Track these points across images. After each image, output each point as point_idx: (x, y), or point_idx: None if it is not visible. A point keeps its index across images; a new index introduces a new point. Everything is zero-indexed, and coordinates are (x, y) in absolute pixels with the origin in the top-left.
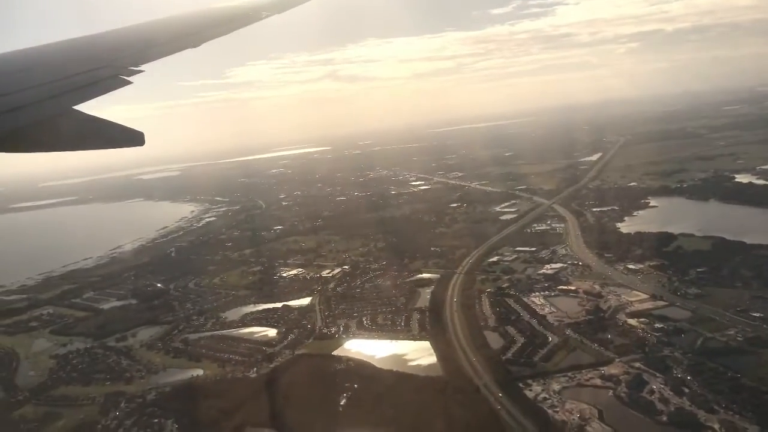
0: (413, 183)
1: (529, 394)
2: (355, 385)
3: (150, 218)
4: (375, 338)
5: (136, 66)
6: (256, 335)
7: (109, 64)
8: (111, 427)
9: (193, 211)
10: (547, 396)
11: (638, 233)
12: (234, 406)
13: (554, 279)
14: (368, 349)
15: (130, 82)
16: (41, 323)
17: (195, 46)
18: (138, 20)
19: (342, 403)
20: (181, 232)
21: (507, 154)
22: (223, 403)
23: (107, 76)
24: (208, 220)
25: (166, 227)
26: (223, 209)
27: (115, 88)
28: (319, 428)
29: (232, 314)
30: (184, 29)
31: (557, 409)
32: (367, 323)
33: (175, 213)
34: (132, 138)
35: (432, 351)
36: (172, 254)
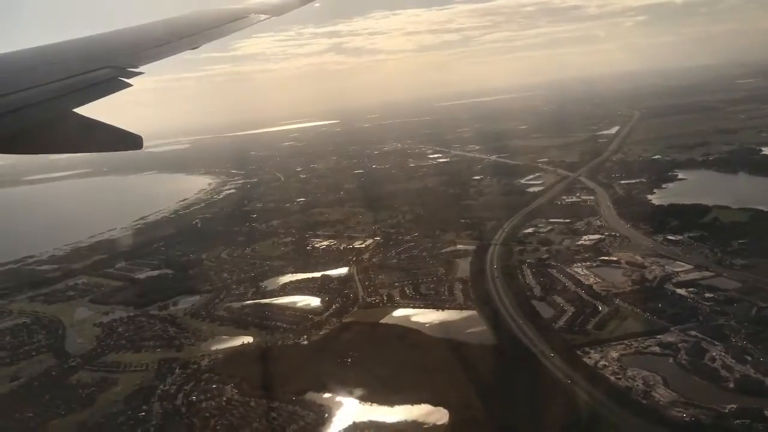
0: (431, 156)
1: (588, 361)
2: (410, 353)
3: (168, 190)
4: (420, 307)
5: (135, 67)
6: (299, 304)
7: (108, 65)
8: (170, 392)
9: (210, 184)
10: (606, 363)
11: (672, 205)
12: (292, 372)
13: (594, 250)
14: (415, 318)
15: (129, 85)
16: (78, 292)
17: (194, 47)
18: (137, 22)
19: (399, 370)
20: (202, 204)
21: (522, 128)
22: (281, 369)
23: (107, 77)
24: (227, 192)
25: (186, 199)
26: (241, 182)
27: (115, 91)
28: (379, 393)
29: (271, 284)
30: (182, 31)
31: (619, 376)
32: (410, 292)
33: (193, 185)
34: (130, 142)
35: (481, 320)
36: (198, 225)
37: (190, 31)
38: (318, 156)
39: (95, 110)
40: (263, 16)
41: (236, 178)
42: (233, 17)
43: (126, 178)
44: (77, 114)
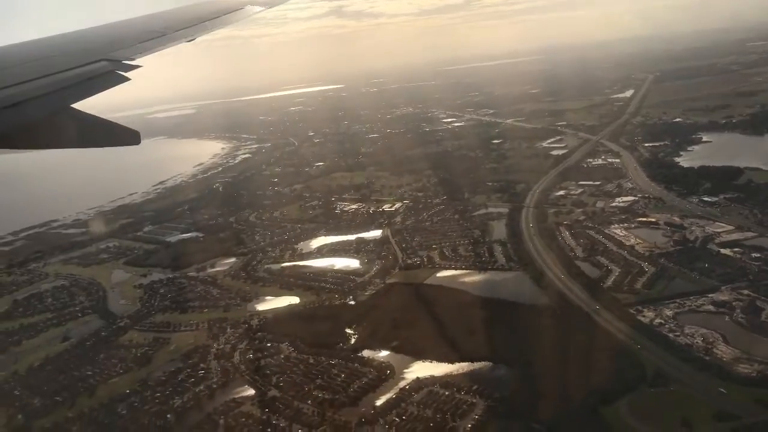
0: (445, 120)
1: (644, 319)
2: (461, 312)
3: (182, 155)
4: (462, 269)
5: (132, 60)
6: (339, 265)
7: (104, 58)
8: (225, 350)
9: (223, 148)
10: (662, 321)
11: (703, 167)
12: (344, 331)
13: (630, 211)
14: (460, 278)
15: (127, 79)
16: (111, 255)
17: (190, 40)
18: (133, 15)
19: (453, 329)
20: (219, 169)
21: (533, 92)
22: (332, 328)
23: (104, 71)
24: (242, 156)
25: (202, 164)
26: (254, 147)
27: (112, 86)
28: (437, 351)
29: (306, 246)
30: (179, 23)
31: (677, 334)
32: (449, 254)
33: (206, 150)
34: (129, 137)
35: (527, 280)
36: (220, 189)
37: (187, 23)
38: (328, 120)
39: (95, 100)
40: (258, 8)
41: (248, 143)
42: (229, 9)
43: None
44: (75, 110)
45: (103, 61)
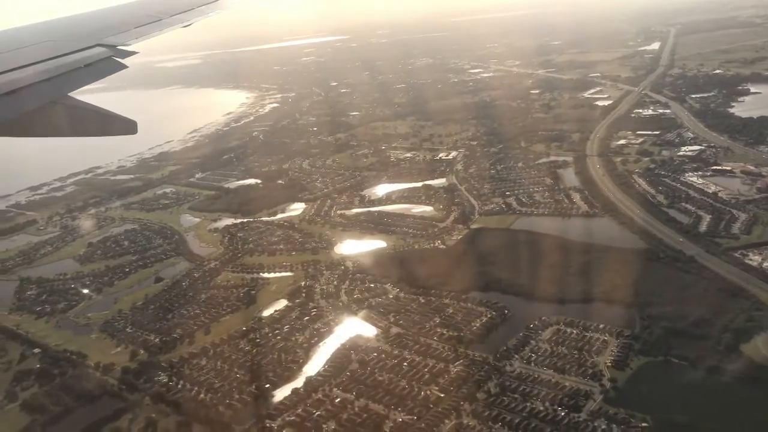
0: (471, 71)
1: (751, 263)
2: (560, 256)
3: (206, 104)
4: (544, 215)
5: (127, 46)
6: (414, 211)
7: (100, 43)
8: (329, 290)
9: (248, 97)
10: None
11: (763, 117)
12: (443, 273)
13: (700, 160)
14: (545, 224)
15: (125, 66)
16: (171, 201)
17: (186, 25)
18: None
19: (557, 272)
20: (251, 118)
21: (555, 43)
22: (430, 270)
23: (100, 57)
24: (271, 106)
25: (231, 113)
26: (279, 96)
27: (109, 73)
28: (546, 292)
29: (371, 193)
30: (174, 8)
31: None
32: (526, 200)
33: (230, 99)
34: (126, 127)
35: (617, 226)
36: (260, 138)
37: (183, 7)
38: (346, 71)
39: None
40: None
41: (271, 92)
42: None
43: (153, 92)
44: (73, 98)
45: (99, 46)
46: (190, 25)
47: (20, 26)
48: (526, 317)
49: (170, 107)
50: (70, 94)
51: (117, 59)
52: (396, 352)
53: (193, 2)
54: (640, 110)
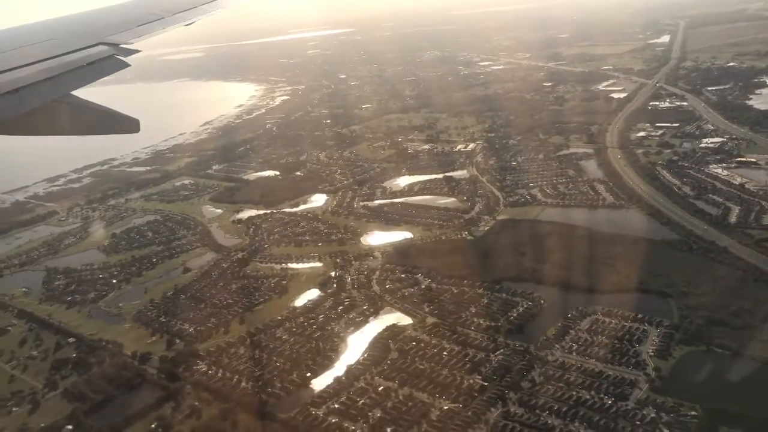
0: (480, 64)
1: None
2: (591, 247)
3: (216, 97)
4: (570, 206)
5: (129, 44)
6: (438, 202)
7: (102, 41)
8: (360, 280)
9: (257, 90)
10: None
11: None
12: (474, 263)
13: (723, 152)
14: (572, 215)
15: (127, 64)
16: (191, 192)
17: (188, 24)
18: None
19: (589, 262)
20: (262, 110)
21: (562, 36)
22: (462, 261)
23: (102, 56)
24: (281, 98)
25: (241, 105)
26: (288, 89)
27: (112, 72)
28: (579, 283)
29: (392, 184)
30: (176, 6)
31: None
32: (550, 192)
33: (239, 92)
34: (128, 125)
35: (645, 217)
36: (274, 130)
37: (185, 5)
38: (354, 63)
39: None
40: None
41: (280, 85)
42: None
43: (161, 85)
44: (75, 97)
45: (101, 45)
46: (192, 23)
47: (23, 25)
48: (562, 307)
49: (180, 100)
50: (72, 92)
51: (119, 57)
52: (434, 341)
53: (195, 1)
54: (657, 102)
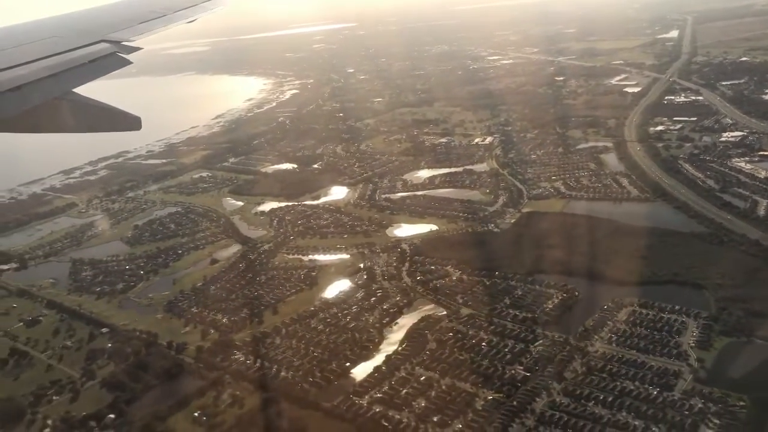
0: (489, 58)
1: None
2: (621, 240)
3: (225, 90)
4: (595, 199)
5: (131, 42)
6: (461, 196)
7: (104, 39)
8: (389, 272)
9: (266, 84)
10: None
11: None
12: (503, 255)
13: (744, 146)
14: (598, 207)
15: (129, 62)
16: (210, 184)
17: (191, 21)
18: None
19: (619, 254)
20: (273, 104)
21: (570, 31)
22: (488, 253)
23: (104, 53)
24: (291, 92)
25: (252, 99)
26: (297, 83)
27: (114, 69)
28: (612, 274)
29: (413, 177)
30: (178, 3)
31: None
32: (573, 185)
33: (247, 86)
34: (130, 123)
35: (672, 210)
36: (287, 123)
37: (186, 3)
38: (361, 58)
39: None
40: None
41: (288, 79)
42: None
43: (167, 79)
44: (77, 95)
45: (103, 42)
46: (194, 20)
47: (25, 22)
48: (597, 299)
49: (188, 93)
50: (75, 90)
51: (121, 55)
52: (471, 332)
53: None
54: (672, 97)
